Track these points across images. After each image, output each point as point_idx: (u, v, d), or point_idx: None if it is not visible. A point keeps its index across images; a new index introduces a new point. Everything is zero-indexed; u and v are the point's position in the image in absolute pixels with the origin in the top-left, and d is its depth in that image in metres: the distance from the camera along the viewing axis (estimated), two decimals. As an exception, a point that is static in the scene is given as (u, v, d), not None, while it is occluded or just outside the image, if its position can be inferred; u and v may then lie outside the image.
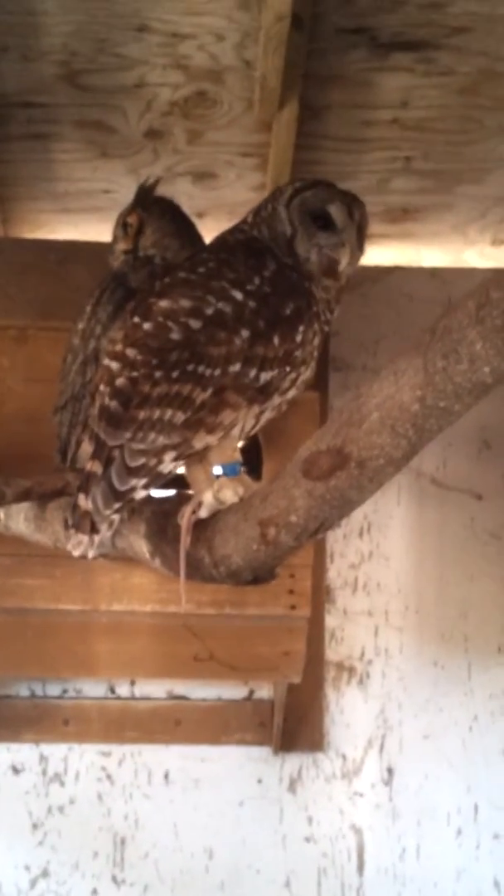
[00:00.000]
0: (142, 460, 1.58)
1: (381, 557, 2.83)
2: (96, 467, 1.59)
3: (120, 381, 1.61)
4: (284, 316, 1.68)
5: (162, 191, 2.19)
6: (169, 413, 1.59)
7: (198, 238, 2.17)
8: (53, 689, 2.76)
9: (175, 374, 1.60)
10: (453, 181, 2.62)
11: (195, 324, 1.62)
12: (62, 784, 2.72)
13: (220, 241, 1.84)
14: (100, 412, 1.63)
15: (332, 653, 2.81)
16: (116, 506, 1.57)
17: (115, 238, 2.19)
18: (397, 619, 2.82)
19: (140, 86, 2.33)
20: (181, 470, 1.78)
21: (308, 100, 2.34)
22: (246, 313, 1.64)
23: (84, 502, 1.59)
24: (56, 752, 2.74)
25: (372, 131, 2.46)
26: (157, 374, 1.60)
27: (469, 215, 2.75)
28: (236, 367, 1.62)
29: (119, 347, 1.66)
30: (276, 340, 1.65)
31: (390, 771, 2.79)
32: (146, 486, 1.59)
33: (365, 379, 2.75)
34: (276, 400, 1.71)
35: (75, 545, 1.60)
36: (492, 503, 2.85)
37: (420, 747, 2.80)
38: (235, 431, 1.68)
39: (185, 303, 1.64)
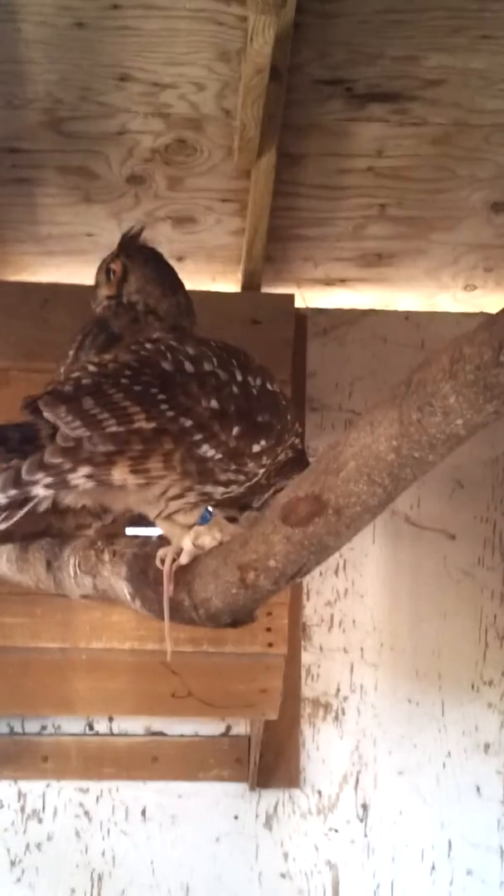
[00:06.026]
0: (59, 460, 1.57)
1: (356, 595, 2.85)
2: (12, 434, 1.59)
3: (86, 380, 1.63)
4: (255, 420, 1.70)
5: (143, 235, 2.23)
6: (106, 416, 1.59)
7: (179, 285, 2.19)
8: (32, 726, 2.76)
9: (137, 388, 1.61)
10: (427, 228, 2.66)
11: (189, 367, 1.66)
12: (40, 821, 2.72)
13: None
14: (51, 390, 1.60)
15: (308, 689, 2.83)
16: (12, 492, 1.52)
17: (98, 284, 2.21)
18: (372, 656, 2.85)
19: (122, 133, 2.37)
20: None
21: (286, 148, 2.38)
22: (227, 391, 1.67)
23: None
24: (34, 788, 2.74)
25: (348, 179, 2.51)
26: (124, 380, 1.62)
27: (442, 261, 2.79)
28: (188, 423, 1.64)
29: (108, 357, 1.69)
30: (234, 431, 1.67)
31: (365, 807, 2.81)
32: (47, 487, 1.57)
33: (340, 419, 2.82)
34: (208, 489, 1.70)
35: None
36: (464, 542, 2.89)
37: (394, 784, 2.82)
38: (156, 490, 1.66)
39: (193, 351, 1.69)
